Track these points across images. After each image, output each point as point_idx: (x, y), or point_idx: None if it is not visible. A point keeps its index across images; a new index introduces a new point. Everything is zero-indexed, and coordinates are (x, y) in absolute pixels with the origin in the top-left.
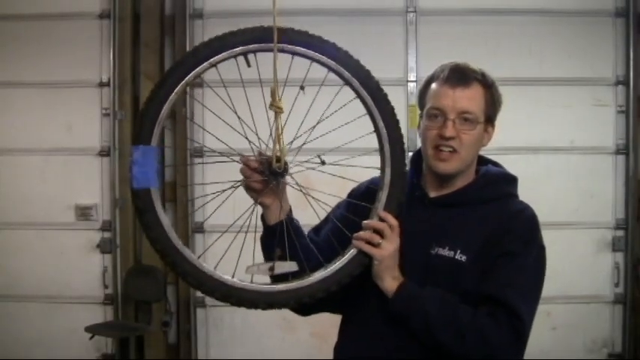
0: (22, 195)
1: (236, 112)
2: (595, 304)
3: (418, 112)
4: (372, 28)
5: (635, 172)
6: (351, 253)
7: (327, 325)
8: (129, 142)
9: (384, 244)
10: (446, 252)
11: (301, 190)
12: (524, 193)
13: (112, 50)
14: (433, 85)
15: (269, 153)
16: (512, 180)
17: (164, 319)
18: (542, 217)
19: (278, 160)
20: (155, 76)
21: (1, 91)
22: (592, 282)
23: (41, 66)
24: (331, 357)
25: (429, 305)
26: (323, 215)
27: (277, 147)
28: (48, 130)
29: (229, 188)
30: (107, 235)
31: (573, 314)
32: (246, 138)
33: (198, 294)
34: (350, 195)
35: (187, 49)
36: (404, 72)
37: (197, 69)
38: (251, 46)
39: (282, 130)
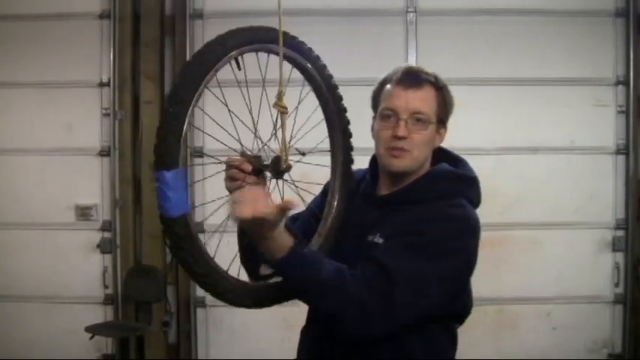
0: (21, 195)
1: (232, 113)
2: (595, 304)
3: (372, 114)
4: (372, 28)
5: (635, 172)
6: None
7: None
8: (129, 142)
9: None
10: (370, 237)
11: (297, 187)
12: (525, 193)
13: (112, 50)
14: (386, 87)
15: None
16: (463, 179)
17: (164, 319)
18: (542, 217)
19: (278, 158)
20: (155, 77)
21: (1, 91)
22: (592, 282)
23: (41, 66)
24: None
25: (316, 270)
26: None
27: (284, 146)
28: (48, 130)
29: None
30: (107, 235)
31: (573, 314)
32: (239, 141)
33: (198, 294)
34: (326, 185)
35: (187, 49)
36: None
37: (208, 76)
38: (256, 46)
39: (283, 129)
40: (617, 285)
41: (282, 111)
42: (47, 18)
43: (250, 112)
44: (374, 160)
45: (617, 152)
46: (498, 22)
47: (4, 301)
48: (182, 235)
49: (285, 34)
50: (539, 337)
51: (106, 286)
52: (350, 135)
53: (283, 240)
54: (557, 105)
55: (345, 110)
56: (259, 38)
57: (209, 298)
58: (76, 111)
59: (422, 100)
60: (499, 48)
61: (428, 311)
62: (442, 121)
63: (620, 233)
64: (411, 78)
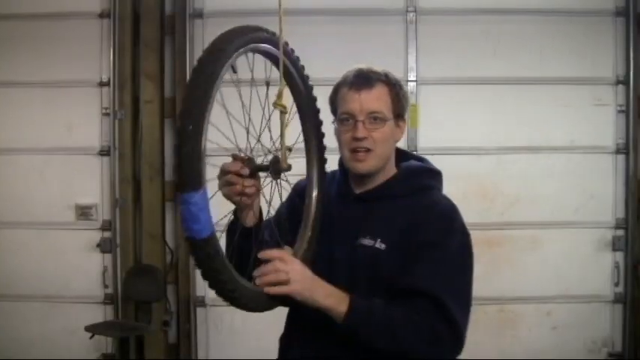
0: (22, 195)
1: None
2: (595, 303)
3: (332, 118)
4: (372, 28)
5: (635, 172)
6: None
7: None
8: (129, 141)
9: (292, 276)
10: (367, 241)
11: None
12: (525, 193)
13: (112, 50)
14: (341, 91)
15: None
16: (434, 174)
17: (164, 318)
18: (542, 216)
19: (277, 159)
20: (155, 76)
21: (1, 91)
22: (592, 282)
23: (41, 65)
24: None
25: (385, 313)
26: None
27: (282, 146)
28: (48, 130)
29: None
30: (107, 234)
31: (573, 314)
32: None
33: (198, 293)
34: (294, 188)
35: (187, 48)
36: (404, 71)
37: (217, 82)
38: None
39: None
40: (617, 284)
41: (282, 110)
42: (47, 17)
43: (233, 113)
44: (342, 161)
45: (617, 152)
46: (498, 22)
47: (4, 300)
48: (213, 254)
49: (267, 31)
50: (539, 336)
51: (105, 286)
52: (323, 135)
53: (338, 294)
54: (557, 105)
55: (318, 111)
56: (253, 39)
57: (209, 298)
58: (76, 110)
59: (376, 99)
60: (499, 47)
61: None
62: (399, 115)
63: (620, 233)
64: (363, 80)
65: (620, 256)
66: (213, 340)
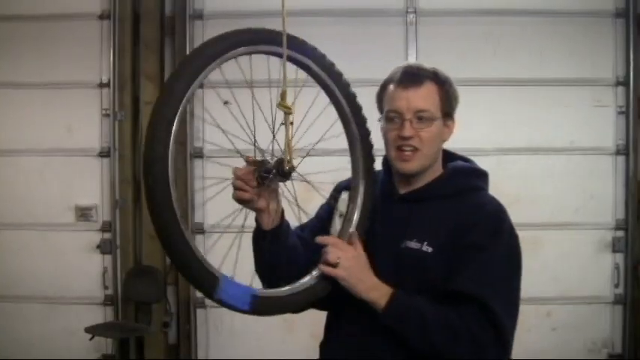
0: (22, 195)
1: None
2: (595, 304)
3: (378, 116)
4: (372, 29)
5: (635, 173)
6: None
7: None
8: (129, 143)
9: (342, 262)
10: (414, 244)
11: (309, 183)
12: (525, 194)
13: (112, 51)
14: (388, 89)
15: (255, 157)
16: (480, 174)
17: (164, 319)
18: (542, 217)
19: (282, 160)
20: (155, 77)
21: (2, 92)
22: (592, 283)
23: (41, 66)
24: None
25: (424, 312)
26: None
27: (287, 147)
28: (48, 131)
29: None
30: (107, 235)
31: (573, 315)
32: (254, 143)
33: (198, 294)
34: (336, 189)
35: (187, 49)
36: None
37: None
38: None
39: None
40: (617, 285)
41: (286, 111)
42: (47, 18)
43: (243, 116)
44: (387, 160)
45: (617, 153)
46: (498, 23)
47: (4, 301)
48: (270, 308)
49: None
50: (539, 337)
51: (105, 287)
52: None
53: (382, 288)
54: (557, 105)
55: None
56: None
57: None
58: (76, 112)
59: (423, 97)
60: (499, 48)
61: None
62: (448, 114)
63: (620, 234)
64: (411, 77)
65: (620, 257)
66: (213, 341)
